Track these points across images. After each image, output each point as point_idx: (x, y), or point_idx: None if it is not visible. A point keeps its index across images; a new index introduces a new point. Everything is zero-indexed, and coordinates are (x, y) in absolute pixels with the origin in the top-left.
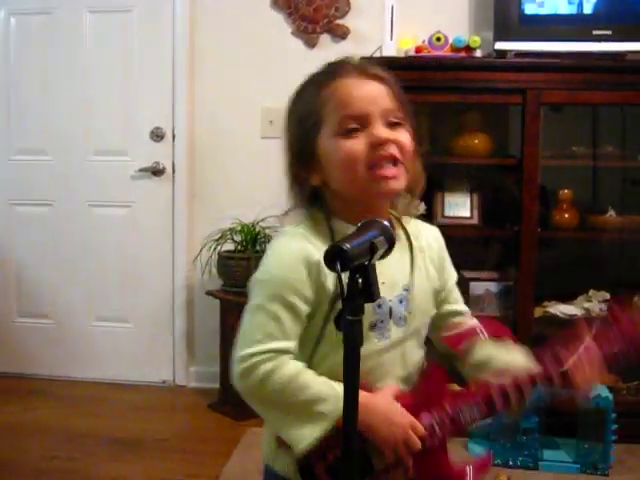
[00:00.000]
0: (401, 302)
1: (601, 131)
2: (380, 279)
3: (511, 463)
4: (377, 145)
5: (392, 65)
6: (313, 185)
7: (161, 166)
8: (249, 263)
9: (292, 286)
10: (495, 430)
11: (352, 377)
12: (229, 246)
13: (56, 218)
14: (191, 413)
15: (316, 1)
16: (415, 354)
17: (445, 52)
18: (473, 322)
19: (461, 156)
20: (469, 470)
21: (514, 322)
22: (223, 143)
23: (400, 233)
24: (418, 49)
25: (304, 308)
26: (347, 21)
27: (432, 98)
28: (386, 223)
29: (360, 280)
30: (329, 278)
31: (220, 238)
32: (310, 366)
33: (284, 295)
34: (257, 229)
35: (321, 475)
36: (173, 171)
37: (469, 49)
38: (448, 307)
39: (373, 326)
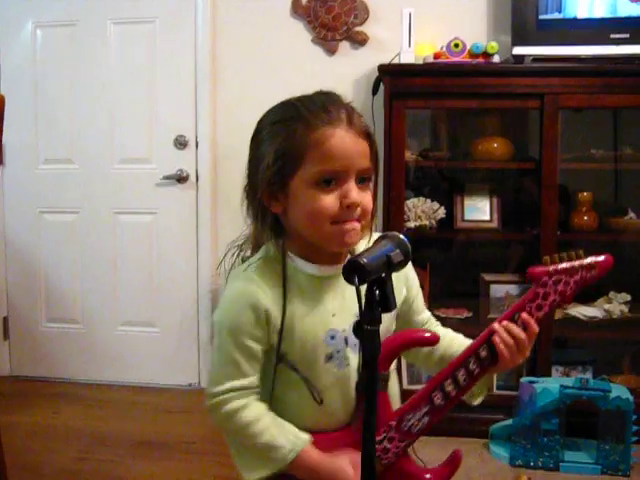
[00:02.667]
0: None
1: (620, 133)
2: (331, 311)
3: (532, 464)
4: (348, 208)
5: (411, 72)
6: (273, 212)
7: (185, 173)
8: None
9: (243, 329)
10: (516, 431)
11: (372, 385)
12: None
13: (83, 226)
14: (193, 412)
15: (335, 9)
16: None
17: (463, 58)
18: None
19: (480, 160)
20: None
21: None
22: (246, 150)
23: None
24: (436, 55)
25: (256, 347)
26: (366, 28)
27: (451, 104)
28: (402, 237)
29: (377, 292)
30: (276, 320)
31: (244, 244)
32: (271, 401)
33: (237, 338)
34: None
35: None
36: (197, 178)
37: (487, 55)
38: (414, 317)
39: (330, 357)
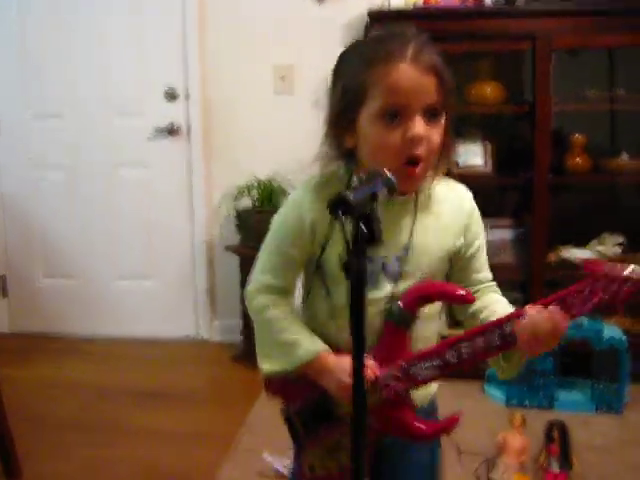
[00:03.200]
0: (397, 260)
1: (614, 74)
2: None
3: (527, 404)
4: (411, 141)
5: (400, 16)
6: (347, 146)
7: (176, 126)
8: (266, 217)
9: (286, 236)
10: None
11: (358, 317)
12: (246, 202)
13: (76, 179)
14: (216, 366)
15: None
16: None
17: (454, 1)
18: (491, 295)
19: (473, 104)
20: (428, 426)
21: (529, 267)
22: (236, 101)
23: (411, 199)
24: (426, 0)
25: (295, 254)
26: None
27: (442, 48)
28: (389, 175)
29: (364, 227)
30: (322, 233)
31: (238, 194)
32: (303, 311)
33: (281, 242)
34: (272, 185)
35: (293, 418)
36: (188, 130)
37: None
38: (469, 274)
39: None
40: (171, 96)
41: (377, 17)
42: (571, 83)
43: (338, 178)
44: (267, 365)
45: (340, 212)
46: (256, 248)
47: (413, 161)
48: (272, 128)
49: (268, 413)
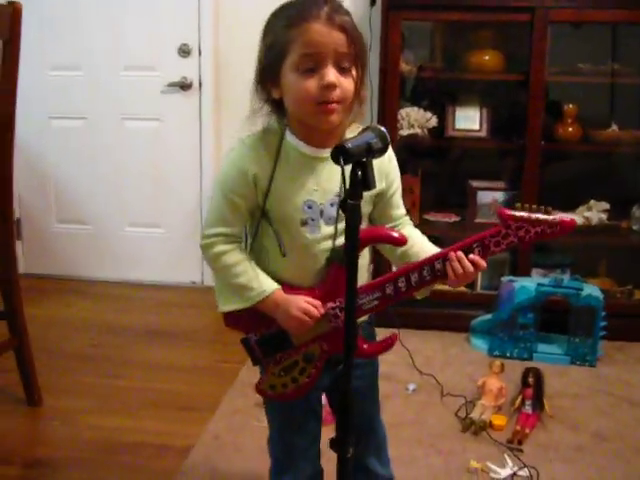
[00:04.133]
0: (332, 205)
1: (608, 49)
2: (313, 186)
3: (508, 355)
4: (325, 87)
5: None
6: (274, 97)
7: (188, 81)
8: None
9: (231, 187)
10: (494, 325)
11: (352, 249)
12: None
13: (91, 131)
14: (216, 313)
15: None
16: (340, 239)
17: None
18: (408, 228)
19: (472, 72)
20: (370, 346)
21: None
22: (247, 58)
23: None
24: None
25: (241, 203)
26: None
27: (445, 16)
28: (383, 129)
29: (360, 173)
30: (261, 183)
31: None
32: (251, 252)
33: (226, 193)
34: None
35: (254, 346)
36: (200, 85)
37: None
38: (389, 211)
39: (304, 223)
40: (184, 52)
41: None
42: (567, 55)
43: (272, 132)
44: (226, 307)
45: (341, 159)
46: None
47: (327, 106)
48: None
49: None
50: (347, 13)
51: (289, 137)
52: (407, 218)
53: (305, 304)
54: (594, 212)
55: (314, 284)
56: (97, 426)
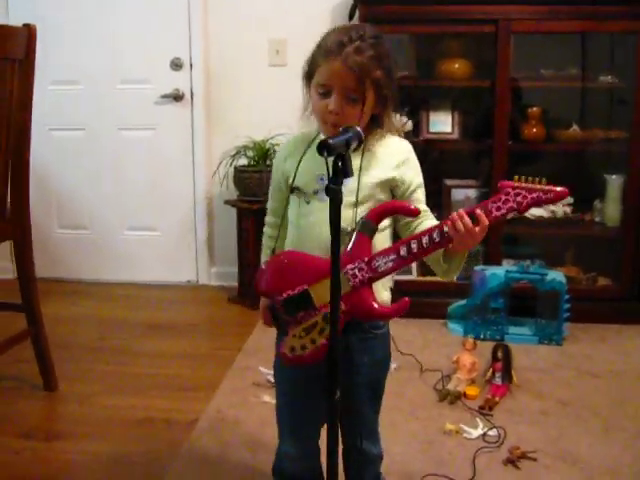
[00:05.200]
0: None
1: (566, 56)
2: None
3: (482, 336)
4: (328, 112)
5: (382, 0)
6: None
7: (181, 92)
8: (261, 175)
9: (274, 172)
10: (469, 310)
11: (336, 226)
12: (243, 161)
13: (89, 141)
14: (214, 305)
15: None
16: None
17: None
18: (429, 222)
19: (443, 79)
20: (385, 308)
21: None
22: (235, 71)
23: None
24: None
25: (279, 185)
26: None
27: (414, 29)
28: (358, 128)
29: (340, 163)
30: (291, 166)
31: (235, 154)
32: (283, 222)
33: (272, 176)
34: (267, 145)
35: (279, 308)
36: (192, 96)
37: None
38: (415, 205)
39: (316, 192)
40: (177, 65)
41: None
42: (530, 62)
43: (309, 133)
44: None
45: (325, 152)
46: (252, 202)
47: (333, 124)
48: (267, 95)
49: (261, 342)
50: (374, 53)
51: (318, 133)
52: (429, 212)
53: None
54: (559, 206)
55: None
56: (110, 405)
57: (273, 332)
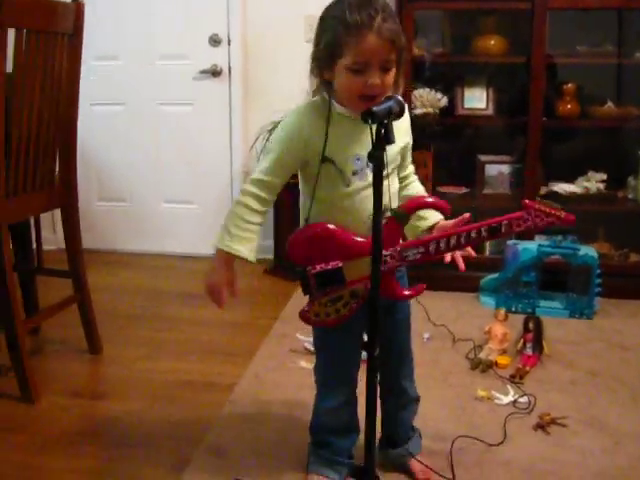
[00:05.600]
0: None
1: (602, 32)
2: (359, 143)
3: (513, 309)
4: (370, 87)
5: None
6: (325, 78)
7: (219, 68)
8: None
9: (287, 146)
10: (501, 283)
11: (379, 189)
12: None
13: (129, 116)
14: (250, 276)
15: None
16: (393, 187)
17: None
18: (415, 181)
19: (478, 55)
20: (407, 291)
21: (523, 198)
22: (272, 46)
23: None
24: None
25: (291, 162)
26: None
27: (452, 6)
28: (400, 98)
29: (383, 130)
30: (316, 141)
31: (272, 129)
32: (314, 202)
33: (281, 150)
34: None
35: (310, 277)
36: (229, 72)
37: None
38: (404, 161)
39: (355, 173)
40: (215, 41)
41: None
42: (566, 39)
43: (320, 102)
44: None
45: (369, 120)
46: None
47: (369, 98)
48: (302, 71)
49: (297, 311)
50: (394, 19)
51: (336, 106)
52: (413, 168)
53: (216, 285)
54: (592, 182)
55: (368, 233)
56: (152, 369)
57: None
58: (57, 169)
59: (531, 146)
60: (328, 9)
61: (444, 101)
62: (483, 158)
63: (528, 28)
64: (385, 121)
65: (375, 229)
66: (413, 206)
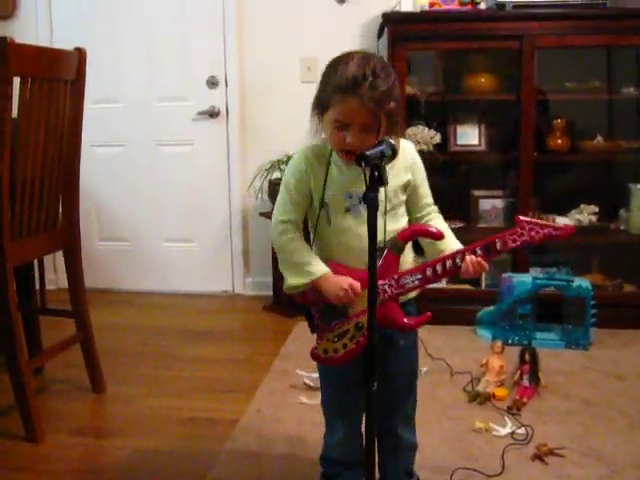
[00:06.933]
0: None
1: (590, 69)
2: (352, 182)
3: (510, 342)
4: (348, 144)
5: (409, 19)
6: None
7: (217, 109)
8: None
9: (295, 186)
10: (497, 316)
11: (373, 228)
12: (277, 174)
13: (129, 156)
14: (249, 313)
15: None
16: (390, 227)
17: (454, 6)
18: (436, 217)
19: (470, 93)
20: (408, 320)
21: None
22: (269, 87)
23: None
24: (431, 4)
25: (301, 199)
26: None
27: (443, 46)
28: (392, 141)
29: (376, 173)
30: (318, 185)
31: (270, 168)
32: (315, 239)
33: (291, 190)
34: None
35: (314, 314)
36: (227, 113)
37: (474, 3)
38: (419, 200)
39: (348, 210)
40: (212, 83)
41: (390, 19)
42: (554, 75)
43: (321, 148)
44: (291, 282)
45: (362, 163)
46: None
47: (348, 152)
48: (299, 111)
49: (297, 347)
50: (387, 80)
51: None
52: (435, 208)
53: (349, 281)
54: (584, 215)
55: (366, 266)
56: (155, 406)
57: (309, 338)
58: (60, 210)
59: (523, 180)
60: (332, 60)
61: (437, 138)
62: (477, 193)
63: (518, 66)
64: (377, 164)
65: (370, 267)
66: (407, 235)
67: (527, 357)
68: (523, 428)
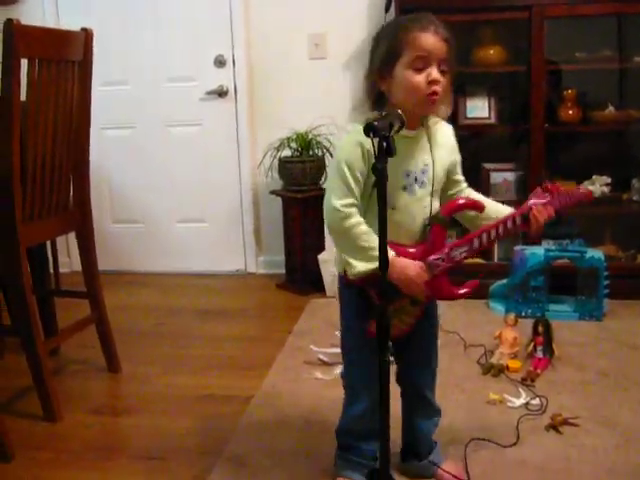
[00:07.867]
0: (423, 173)
1: (600, 38)
2: (409, 159)
3: (523, 314)
4: (431, 82)
5: None
6: (380, 90)
7: (225, 88)
8: (305, 165)
9: (352, 162)
10: (510, 289)
11: (383, 198)
12: (287, 152)
13: (139, 138)
14: (263, 291)
15: None
16: (434, 204)
17: None
18: (468, 190)
19: (479, 66)
20: (461, 290)
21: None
22: (277, 65)
23: (424, 133)
24: None
25: (359, 176)
26: None
27: (449, 18)
28: (399, 111)
29: (385, 143)
30: (371, 159)
31: (279, 146)
32: (366, 217)
33: (351, 168)
34: (310, 137)
35: (373, 295)
36: (235, 92)
37: None
38: (454, 177)
39: (404, 188)
40: (220, 63)
41: None
42: (564, 45)
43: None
44: (356, 269)
45: (371, 133)
46: (296, 191)
47: (431, 97)
48: (308, 88)
49: (310, 325)
50: (446, 29)
51: (418, 110)
52: (465, 184)
53: (417, 271)
54: (597, 186)
55: (416, 242)
56: (171, 384)
57: (321, 315)
58: (71, 193)
59: (535, 152)
60: (383, 27)
61: (448, 111)
62: (487, 166)
63: (527, 37)
64: (386, 134)
65: (380, 234)
66: (450, 209)
67: (540, 329)
68: (537, 399)
